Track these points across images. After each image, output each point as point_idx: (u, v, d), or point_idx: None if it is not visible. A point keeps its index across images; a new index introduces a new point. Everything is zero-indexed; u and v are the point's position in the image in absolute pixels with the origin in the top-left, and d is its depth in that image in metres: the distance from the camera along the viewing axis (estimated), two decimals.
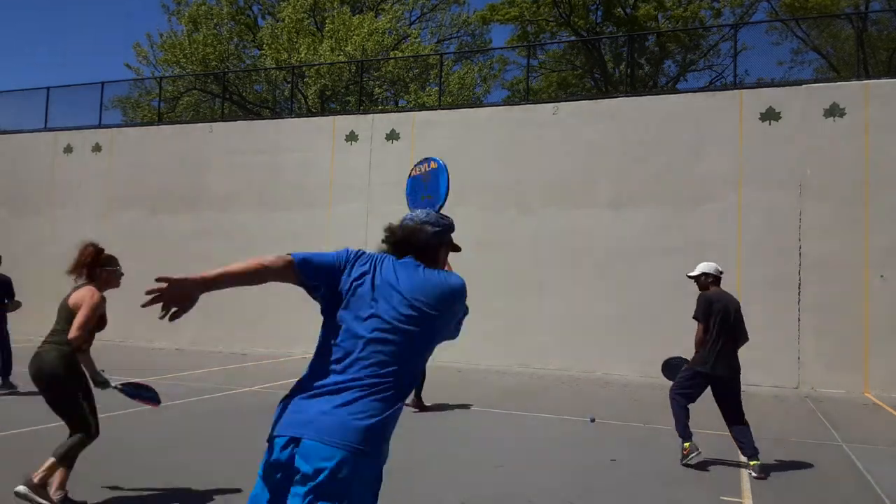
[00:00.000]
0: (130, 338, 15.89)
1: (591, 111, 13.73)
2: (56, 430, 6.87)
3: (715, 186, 12.55)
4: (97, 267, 4.92)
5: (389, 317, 2.29)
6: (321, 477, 2.07)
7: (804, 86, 12.54)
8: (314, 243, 15.08)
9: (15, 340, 9.68)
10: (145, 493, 4.96)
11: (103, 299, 4.79)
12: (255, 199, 15.79)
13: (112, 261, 5.02)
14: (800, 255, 11.95)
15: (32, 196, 17.97)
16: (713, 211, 12.50)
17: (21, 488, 4.38)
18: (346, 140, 15.28)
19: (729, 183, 12.48)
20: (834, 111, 12.07)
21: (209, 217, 16.12)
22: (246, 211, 15.82)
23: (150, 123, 18.99)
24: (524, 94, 16.95)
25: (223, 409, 8.27)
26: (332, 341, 2.31)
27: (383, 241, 2.53)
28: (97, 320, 4.73)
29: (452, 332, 2.50)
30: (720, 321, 6.12)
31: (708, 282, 6.40)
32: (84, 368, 4.58)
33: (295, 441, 2.14)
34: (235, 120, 18.27)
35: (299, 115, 19.06)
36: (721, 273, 6.40)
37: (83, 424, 4.67)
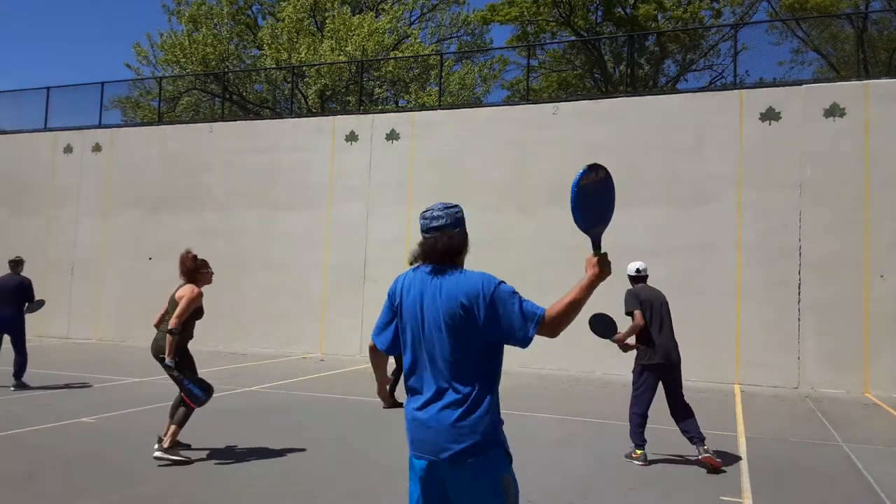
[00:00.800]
0: (130, 337, 15.90)
1: (591, 111, 13.74)
2: (59, 428, 6.87)
3: (715, 186, 12.55)
4: (197, 271, 6.23)
5: (433, 325, 2.54)
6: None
7: (804, 86, 12.54)
8: (314, 243, 15.09)
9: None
10: (145, 491, 4.96)
11: (201, 294, 6.07)
12: (255, 199, 15.79)
13: (205, 264, 6.32)
14: (800, 255, 11.95)
15: (32, 196, 17.98)
16: (713, 211, 12.50)
17: (157, 452, 5.69)
18: (346, 140, 15.28)
19: (729, 183, 12.48)
20: (834, 111, 12.08)
21: (209, 217, 16.12)
22: (246, 211, 15.82)
23: (150, 123, 18.99)
24: (524, 94, 16.95)
25: (223, 409, 8.27)
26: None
27: (420, 262, 2.67)
28: (195, 311, 6.00)
29: (502, 327, 2.50)
30: (651, 312, 6.33)
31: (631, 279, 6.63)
32: (166, 344, 5.79)
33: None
34: (235, 120, 18.26)
35: (299, 115, 19.05)
36: (639, 272, 6.61)
37: (188, 392, 5.85)
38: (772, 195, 12.20)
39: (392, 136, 14.93)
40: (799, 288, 11.89)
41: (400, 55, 25.42)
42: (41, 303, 9.80)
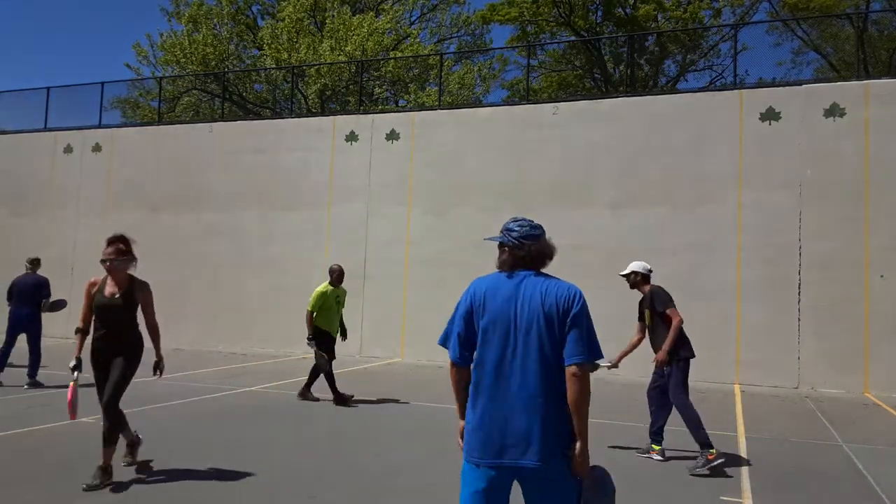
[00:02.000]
0: None
1: (591, 111, 13.73)
2: (59, 428, 6.87)
3: (715, 186, 12.55)
4: None
5: (533, 326, 2.66)
6: None
7: (804, 86, 12.53)
8: (314, 243, 15.09)
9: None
10: (145, 492, 4.96)
11: (90, 285, 5.33)
12: (255, 199, 15.79)
13: (107, 248, 5.26)
14: (800, 255, 11.95)
15: (32, 196, 17.97)
16: (713, 211, 12.50)
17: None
18: (346, 140, 15.28)
19: (729, 183, 12.48)
20: (834, 111, 12.07)
21: (209, 217, 16.12)
22: (246, 211, 15.82)
23: (150, 123, 18.99)
24: (524, 94, 16.94)
25: (223, 409, 8.27)
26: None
27: (510, 268, 2.79)
28: (92, 306, 5.27)
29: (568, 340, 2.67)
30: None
31: (637, 280, 6.43)
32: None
33: None
34: (235, 120, 18.26)
35: (299, 115, 19.05)
36: (650, 272, 6.47)
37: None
38: (772, 195, 12.20)
39: (392, 136, 14.92)
40: (799, 288, 11.89)
41: (400, 55, 25.42)
42: (63, 303, 9.95)
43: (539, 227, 2.86)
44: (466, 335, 2.70)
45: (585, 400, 2.58)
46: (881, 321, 11.37)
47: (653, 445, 6.29)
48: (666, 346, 6.10)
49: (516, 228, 2.83)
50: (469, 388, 2.71)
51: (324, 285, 9.01)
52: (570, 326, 2.63)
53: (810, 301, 11.77)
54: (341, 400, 8.75)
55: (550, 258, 2.82)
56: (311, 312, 8.81)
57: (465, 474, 2.65)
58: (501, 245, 2.84)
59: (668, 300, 6.22)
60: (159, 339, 5.46)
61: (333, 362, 9.02)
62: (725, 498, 5.20)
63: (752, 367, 11.84)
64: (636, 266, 6.48)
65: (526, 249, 2.77)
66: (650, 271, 6.48)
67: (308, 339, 8.79)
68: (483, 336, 2.66)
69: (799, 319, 11.81)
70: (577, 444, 2.58)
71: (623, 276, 6.52)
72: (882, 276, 11.47)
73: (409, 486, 5.32)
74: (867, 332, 11.43)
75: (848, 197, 11.79)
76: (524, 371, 2.59)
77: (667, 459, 6.25)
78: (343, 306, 9.26)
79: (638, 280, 6.44)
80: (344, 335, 9.35)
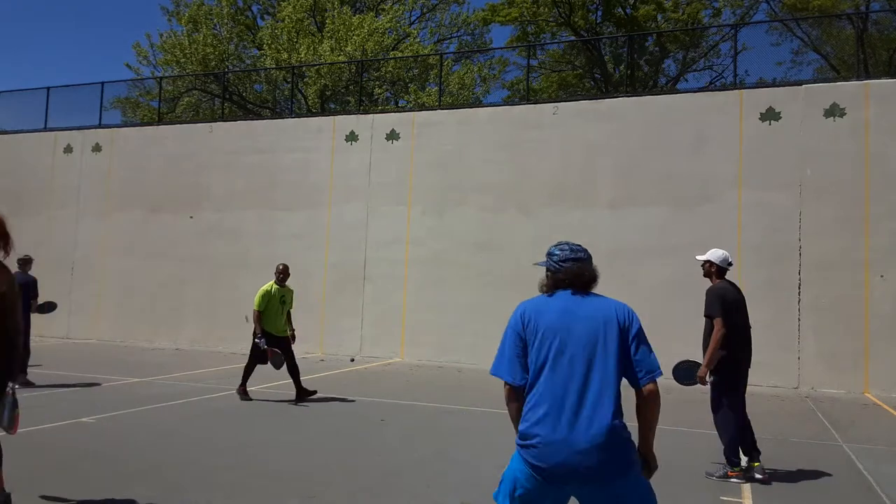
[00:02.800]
0: (131, 337, 15.88)
1: (591, 111, 13.73)
2: (59, 428, 6.87)
3: (715, 186, 12.55)
4: None
5: (588, 344, 2.69)
6: None
7: (804, 86, 12.54)
8: (314, 243, 15.09)
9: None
10: (145, 492, 4.96)
11: None
12: (255, 199, 15.79)
13: None
14: (800, 255, 11.95)
15: (32, 196, 17.97)
16: (713, 211, 12.50)
17: None
18: (346, 140, 15.28)
19: (729, 183, 12.48)
20: (834, 111, 12.07)
21: (209, 217, 16.12)
22: (246, 211, 15.82)
23: (150, 123, 18.99)
24: (524, 94, 16.94)
25: (223, 410, 8.27)
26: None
27: (553, 289, 2.84)
28: None
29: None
30: (737, 314, 5.72)
31: (711, 270, 5.89)
32: None
33: None
34: (235, 120, 18.26)
35: (299, 115, 19.05)
36: (729, 265, 5.90)
37: None
38: (772, 195, 12.20)
39: (392, 136, 14.92)
40: (799, 288, 11.89)
41: (400, 55, 25.41)
42: (52, 305, 9.88)
43: (581, 250, 2.86)
44: (522, 356, 2.72)
45: (658, 416, 2.68)
46: (881, 321, 11.37)
47: (752, 463, 5.75)
48: (706, 360, 5.65)
49: (557, 252, 2.87)
50: (524, 407, 2.70)
51: (268, 284, 9.06)
52: (635, 343, 2.68)
53: (810, 301, 11.77)
54: (240, 392, 8.96)
55: (593, 281, 2.82)
56: (259, 312, 8.86)
57: (518, 471, 2.65)
58: (546, 270, 2.90)
59: (714, 306, 5.63)
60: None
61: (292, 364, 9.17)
62: (725, 498, 5.20)
63: (753, 367, 11.77)
64: (714, 255, 5.89)
65: (564, 273, 2.81)
66: (729, 264, 5.88)
67: (257, 337, 8.84)
68: (538, 356, 2.67)
69: (799, 319, 11.81)
70: (650, 463, 2.77)
71: (699, 261, 6.03)
72: (882, 277, 11.47)
73: (410, 486, 5.31)
74: (867, 332, 11.43)
75: (848, 197, 11.79)
76: (588, 389, 2.60)
77: (768, 479, 5.69)
78: (290, 306, 9.29)
79: (712, 271, 5.86)
80: (292, 337, 9.39)
